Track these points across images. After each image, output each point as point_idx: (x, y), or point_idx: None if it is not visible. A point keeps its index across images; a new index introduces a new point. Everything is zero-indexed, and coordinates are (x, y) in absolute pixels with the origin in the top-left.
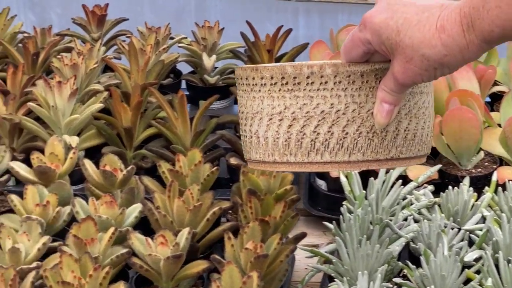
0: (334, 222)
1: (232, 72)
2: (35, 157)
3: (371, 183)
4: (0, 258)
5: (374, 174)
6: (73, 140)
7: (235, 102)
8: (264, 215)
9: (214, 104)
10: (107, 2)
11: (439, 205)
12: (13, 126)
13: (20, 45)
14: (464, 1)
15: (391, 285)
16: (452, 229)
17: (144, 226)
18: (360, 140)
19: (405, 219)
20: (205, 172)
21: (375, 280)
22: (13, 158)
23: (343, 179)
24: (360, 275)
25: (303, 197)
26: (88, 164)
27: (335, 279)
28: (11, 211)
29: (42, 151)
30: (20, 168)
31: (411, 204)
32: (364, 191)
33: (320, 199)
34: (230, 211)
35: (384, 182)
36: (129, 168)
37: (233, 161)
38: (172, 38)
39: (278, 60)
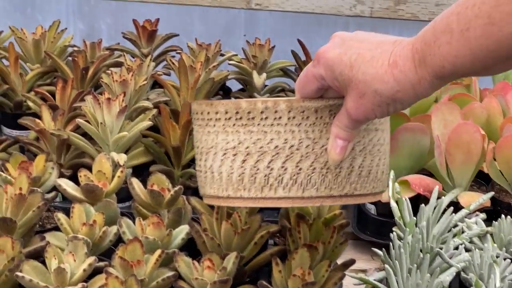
0: (383, 249)
1: (283, 90)
2: (82, 174)
3: (422, 210)
4: (46, 278)
5: (426, 200)
6: (121, 158)
7: None
8: (312, 241)
9: None
10: (158, 17)
11: (491, 234)
12: (61, 142)
13: (69, 58)
14: (417, 37)
15: None
16: (505, 259)
17: (190, 247)
18: (314, 176)
19: (456, 248)
20: None
21: None
22: (61, 175)
23: (393, 204)
24: None
25: (352, 220)
26: (136, 183)
27: None
28: (57, 228)
29: (89, 167)
30: (67, 185)
31: (463, 232)
32: (415, 218)
33: (369, 223)
34: (277, 234)
35: (435, 208)
36: (176, 188)
37: None
38: (222, 55)
39: None
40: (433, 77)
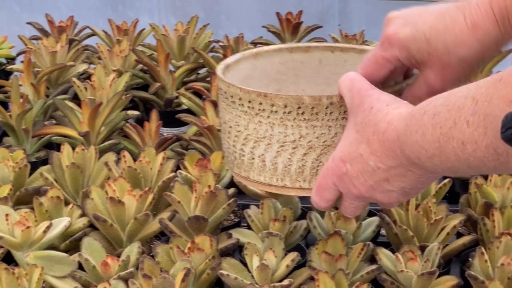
0: None
1: None
2: None
3: None
4: (244, 275)
5: None
6: None
7: None
8: (506, 229)
9: None
10: (301, 9)
11: None
12: None
13: (215, 54)
14: None
15: None
16: None
17: (374, 240)
18: None
19: None
20: (435, 184)
21: None
22: None
23: None
24: None
25: None
26: None
27: None
28: (237, 225)
29: None
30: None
31: None
32: None
33: None
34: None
35: None
36: None
37: None
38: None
39: None
40: None
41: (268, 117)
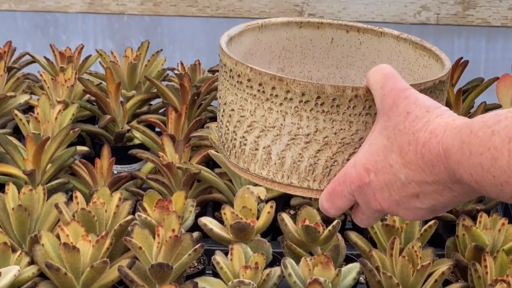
0: None
1: None
2: (227, 212)
3: None
4: None
5: None
6: (261, 192)
7: None
8: (498, 275)
9: None
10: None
11: None
12: (190, 176)
13: (169, 82)
14: None
15: None
16: None
17: None
18: None
19: None
20: (418, 226)
21: None
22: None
23: None
24: None
25: None
26: (287, 219)
27: None
28: (201, 272)
29: (220, 204)
30: (212, 224)
31: None
32: None
33: None
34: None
35: None
36: (334, 223)
37: None
38: None
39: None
40: None
41: (281, 104)
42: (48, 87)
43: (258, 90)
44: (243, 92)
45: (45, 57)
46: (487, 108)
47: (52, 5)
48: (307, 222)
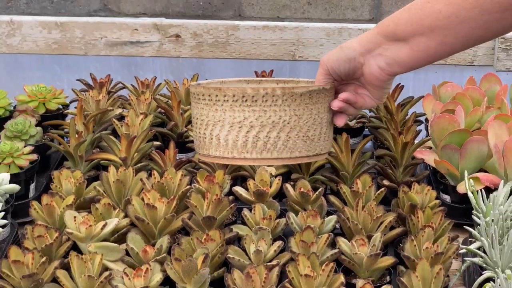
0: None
1: None
2: (251, 183)
3: (493, 197)
4: (244, 257)
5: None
6: (272, 170)
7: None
8: (427, 223)
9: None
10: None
11: None
12: None
13: None
14: None
15: None
16: None
17: (333, 232)
18: (299, 142)
19: None
20: (374, 191)
21: None
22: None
23: (470, 194)
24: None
25: None
26: (289, 187)
27: (486, 269)
28: (234, 222)
29: (245, 178)
30: (241, 191)
31: None
32: (490, 204)
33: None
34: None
35: (508, 197)
36: (320, 189)
37: (386, 182)
38: None
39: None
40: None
41: (222, 105)
42: (134, 104)
43: (209, 100)
44: (201, 104)
45: (131, 85)
46: (416, 115)
47: (134, 52)
48: (302, 190)
